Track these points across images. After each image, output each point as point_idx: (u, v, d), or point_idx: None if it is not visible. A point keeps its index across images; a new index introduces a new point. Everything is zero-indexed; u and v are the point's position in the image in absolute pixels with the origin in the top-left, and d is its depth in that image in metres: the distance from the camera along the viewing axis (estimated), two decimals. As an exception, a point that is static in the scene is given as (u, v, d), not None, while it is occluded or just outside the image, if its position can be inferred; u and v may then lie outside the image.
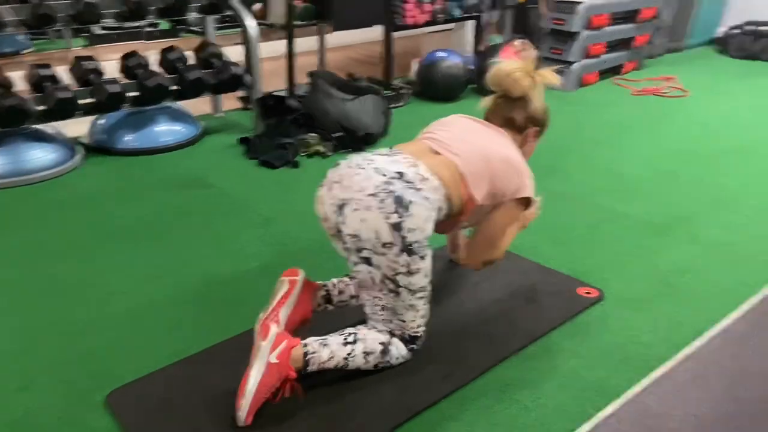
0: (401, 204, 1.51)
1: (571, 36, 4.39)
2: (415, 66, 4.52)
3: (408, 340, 1.68)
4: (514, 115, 1.85)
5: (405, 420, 1.54)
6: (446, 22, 4.57)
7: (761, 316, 1.96)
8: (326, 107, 3.34)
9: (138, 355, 1.78)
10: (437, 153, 1.70)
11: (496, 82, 1.86)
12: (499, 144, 1.77)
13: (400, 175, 1.58)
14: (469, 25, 4.92)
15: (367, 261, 1.55)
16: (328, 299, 1.79)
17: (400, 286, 1.58)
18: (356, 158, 1.68)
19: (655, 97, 4.31)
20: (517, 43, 4.32)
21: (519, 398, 1.61)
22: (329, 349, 1.59)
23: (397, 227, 1.50)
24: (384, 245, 1.51)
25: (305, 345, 1.57)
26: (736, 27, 5.58)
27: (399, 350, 1.67)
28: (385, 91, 3.83)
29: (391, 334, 1.67)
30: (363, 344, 1.63)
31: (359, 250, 1.55)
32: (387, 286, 1.58)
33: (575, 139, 3.51)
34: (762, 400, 1.62)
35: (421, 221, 1.54)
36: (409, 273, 1.56)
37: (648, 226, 2.50)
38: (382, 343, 1.65)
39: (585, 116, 3.92)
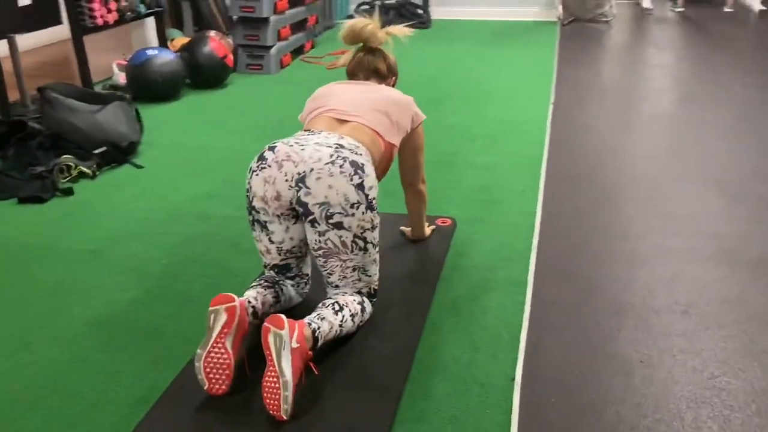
0: (358, 166, 1.66)
1: (263, 21, 4.64)
2: (116, 68, 4.20)
3: (372, 295, 1.84)
4: (378, 66, 2.08)
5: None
6: (133, 20, 4.34)
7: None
8: (73, 123, 2.96)
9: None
10: (344, 121, 1.84)
11: (354, 36, 2.05)
12: (379, 92, 1.97)
13: (341, 145, 1.71)
14: (150, 22, 4.74)
15: (338, 225, 1.65)
16: (255, 314, 1.74)
17: (368, 242, 1.72)
18: (288, 141, 1.74)
19: (347, 68, 4.88)
20: (213, 33, 4.39)
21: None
22: (327, 321, 1.66)
23: (360, 187, 1.65)
24: (352, 206, 1.64)
25: (310, 323, 1.61)
26: (365, 3, 6.56)
27: (368, 306, 1.82)
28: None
29: (359, 293, 1.80)
30: (348, 309, 1.73)
31: (329, 216, 1.64)
32: (357, 245, 1.71)
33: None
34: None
35: (374, 179, 1.72)
36: (373, 228, 1.73)
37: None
38: (359, 303, 1.78)
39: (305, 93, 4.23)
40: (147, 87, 3.95)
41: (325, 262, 1.74)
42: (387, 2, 6.39)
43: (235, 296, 1.65)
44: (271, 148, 1.73)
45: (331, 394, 1.59)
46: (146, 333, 1.88)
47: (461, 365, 1.71)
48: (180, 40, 4.74)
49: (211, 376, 1.55)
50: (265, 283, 1.81)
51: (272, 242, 1.76)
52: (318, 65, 4.99)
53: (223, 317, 1.60)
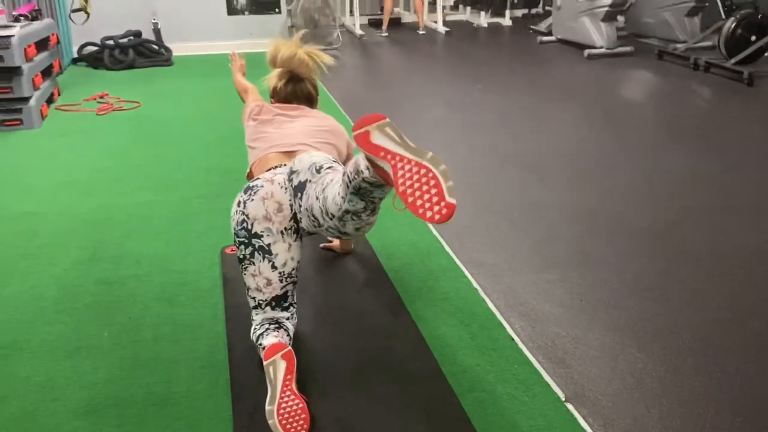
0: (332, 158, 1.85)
1: (15, 71, 4.06)
2: None
3: None
4: (311, 92, 2.22)
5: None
6: None
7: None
8: None
9: None
10: (294, 152, 1.94)
11: (284, 63, 2.15)
12: (319, 120, 2.13)
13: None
14: None
15: (331, 169, 1.71)
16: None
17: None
18: (264, 176, 1.83)
19: (121, 112, 4.58)
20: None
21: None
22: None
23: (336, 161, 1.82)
24: (335, 161, 1.79)
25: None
26: (91, 44, 6.10)
27: None
28: None
29: None
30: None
31: (319, 169, 1.70)
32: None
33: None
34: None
35: None
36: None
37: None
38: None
39: (92, 144, 3.94)
40: None
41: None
42: (121, 42, 6.06)
43: (283, 342, 1.69)
44: (255, 180, 1.83)
45: (385, 393, 1.73)
46: (152, 404, 1.72)
47: (467, 340, 1.99)
48: None
49: (289, 426, 1.56)
50: (275, 325, 1.82)
51: (275, 268, 1.78)
52: (80, 112, 4.57)
53: (282, 365, 1.63)
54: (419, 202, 1.28)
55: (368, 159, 1.39)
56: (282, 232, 1.77)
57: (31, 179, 3.35)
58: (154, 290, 2.28)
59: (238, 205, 1.80)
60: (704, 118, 4.75)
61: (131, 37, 6.20)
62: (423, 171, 1.29)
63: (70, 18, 5.54)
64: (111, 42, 6.07)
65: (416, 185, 1.29)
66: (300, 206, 1.74)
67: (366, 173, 1.41)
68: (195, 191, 3.16)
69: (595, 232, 2.77)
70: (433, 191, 1.28)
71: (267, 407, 1.58)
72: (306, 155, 1.82)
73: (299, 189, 1.74)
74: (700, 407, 1.72)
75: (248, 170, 2.08)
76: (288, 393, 1.59)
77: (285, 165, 1.88)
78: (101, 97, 4.90)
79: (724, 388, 1.79)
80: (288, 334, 1.82)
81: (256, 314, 1.85)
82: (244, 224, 1.77)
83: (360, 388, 1.77)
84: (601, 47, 6.46)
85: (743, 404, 1.73)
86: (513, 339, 2.00)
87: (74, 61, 6.22)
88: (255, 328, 1.83)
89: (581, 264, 2.49)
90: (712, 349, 1.97)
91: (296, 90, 2.20)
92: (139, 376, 1.83)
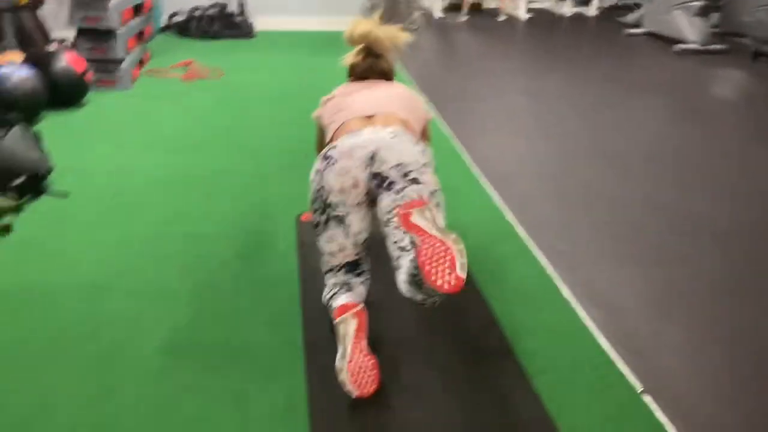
0: (414, 141, 1.83)
1: (111, 33, 4.25)
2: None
3: None
4: (385, 68, 2.21)
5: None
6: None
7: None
8: (-21, 153, 2.49)
9: None
10: (373, 116, 1.93)
11: (362, 39, 2.15)
12: (396, 89, 2.13)
13: (391, 130, 1.83)
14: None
15: (415, 181, 1.72)
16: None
17: (433, 192, 1.79)
18: (342, 139, 1.83)
19: (205, 80, 4.72)
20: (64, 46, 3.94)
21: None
22: (434, 198, 1.73)
23: (423, 153, 1.81)
24: (423, 165, 1.77)
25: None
26: (176, 14, 6.31)
27: None
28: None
29: None
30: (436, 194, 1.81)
31: (406, 174, 1.72)
32: (434, 197, 1.78)
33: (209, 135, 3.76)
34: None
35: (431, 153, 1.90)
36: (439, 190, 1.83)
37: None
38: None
39: (180, 107, 4.09)
40: (5, 109, 3.41)
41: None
42: (208, 13, 6.24)
43: (354, 301, 1.71)
44: (333, 148, 1.81)
45: (456, 366, 1.75)
46: (230, 351, 1.80)
47: (539, 324, 1.97)
48: (11, 55, 4.12)
49: (359, 382, 1.60)
50: (346, 287, 1.85)
51: (348, 236, 1.80)
52: (168, 78, 4.74)
53: (353, 323, 1.67)
54: (433, 271, 1.42)
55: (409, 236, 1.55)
56: (357, 205, 1.78)
57: (122, 138, 3.51)
58: (233, 248, 2.36)
59: (316, 173, 1.82)
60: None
61: (217, 9, 6.38)
62: (443, 247, 1.44)
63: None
64: (198, 12, 6.27)
65: (434, 257, 1.44)
66: (379, 194, 1.74)
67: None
68: (273, 160, 3.24)
69: (676, 230, 2.68)
70: (447, 264, 1.42)
71: (337, 363, 1.62)
72: (396, 143, 1.77)
73: (378, 179, 1.73)
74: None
75: (316, 113, 2.13)
76: (358, 351, 1.62)
77: (366, 129, 1.86)
78: (187, 64, 5.06)
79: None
80: (359, 297, 1.84)
81: (329, 278, 1.89)
82: (320, 193, 1.79)
83: (430, 359, 1.79)
84: (693, 43, 6.19)
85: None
86: (587, 326, 1.96)
87: (163, 29, 6.45)
88: (327, 291, 1.87)
89: (661, 261, 2.42)
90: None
91: (373, 65, 2.20)
92: (219, 325, 1.92)
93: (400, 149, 1.76)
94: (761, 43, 6.28)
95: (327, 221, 1.80)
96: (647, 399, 1.67)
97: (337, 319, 1.67)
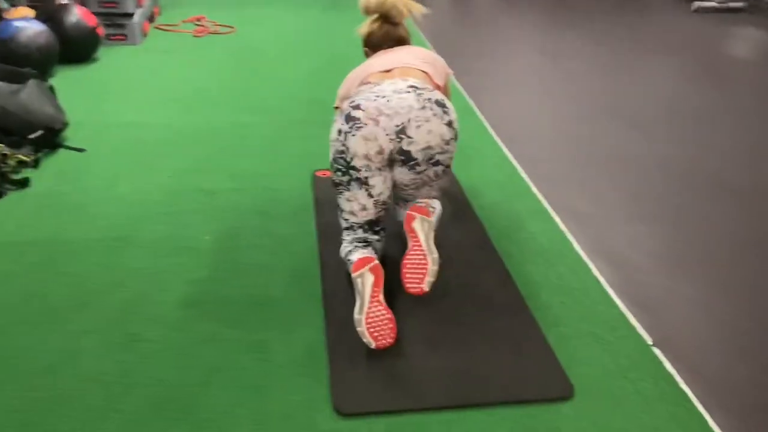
0: (441, 104, 1.82)
1: (122, -13, 4.22)
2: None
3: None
4: (403, 35, 2.21)
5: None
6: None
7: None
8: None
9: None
10: (392, 70, 1.94)
11: (378, 8, 2.14)
12: (414, 48, 2.12)
13: (414, 86, 1.83)
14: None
15: (436, 163, 1.80)
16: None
17: (448, 167, 1.89)
18: (366, 97, 1.81)
19: (217, 36, 4.69)
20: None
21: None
22: (435, 213, 1.89)
23: (450, 124, 1.81)
24: (447, 142, 1.80)
25: (433, 208, 1.88)
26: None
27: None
28: None
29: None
30: (437, 207, 1.93)
31: (430, 158, 1.79)
32: (445, 172, 1.88)
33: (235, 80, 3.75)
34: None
35: (453, 109, 1.87)
36: (447, 169, 1.90)
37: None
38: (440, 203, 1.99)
39: (191, 62, 4.08)
40: (19, 63, 3.42)
41: (416, 190, 1.88)
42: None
43: (371, 256, 1.75)
44: (356, 107, 1.79)
45: (470, 319, 1.80)
46: (250, 303, 1.84)
47: (552, 279, 2.00)
48: (23, 10, 4.10)
49: (377, 333, 1.63)
50: (363, 243, 1.89)
51: (371, 196, 1.83)
52: (179, 33, 4.71)
53: (370, 277, 1.69)
54: (408, 275, 1.74)
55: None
56: (380, 168, 1.80)
57: (135, 92, 3.51)
58: (250, 204, 2.39)
59: (339, 133, 1.80)
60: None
61: (228, -37, 6.29)
62: (424, 260, 1.76)
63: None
64: (209, -33, 6.18)
65: (413, 265, 1.76)
66: (402, 166, 1.80)
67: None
68: (289, 117, 3.24)
69: (692, 188, 2.68)
70: (419, 275, 1.74)
71: (356, 316, 1.66)
72: (425, 123, 1.76)
73: (406, 156, 1.78)
74: (792, 368, 1.69)
75: (340, 90, 2.08)
76: (376, 303, 1.66)
77: (384, 82, 1.85)
78: (198, 20, 5.02)
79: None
80: (376, 253, 1.88)
81: (347, 234, 1.92)
82: (343, 155, 1.79)
83: (446, 313, 1.82)
84: (712, 1, 6.06)
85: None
86: (599, 282, 1.99)
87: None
88: (345, 246, 1.90)
89: (675, 218, 2.43)
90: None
91: (390, 32, 2.18)
92: (238, 278, 1.95)
93: (429, 128, 1.77)
94: (782, 1, 6.15)
95: (349, 182, 1.82)
96: (657, 351, 1.71)
97: (355, 273, 1.70)
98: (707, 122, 3.45)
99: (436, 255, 1.77)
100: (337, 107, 2.06)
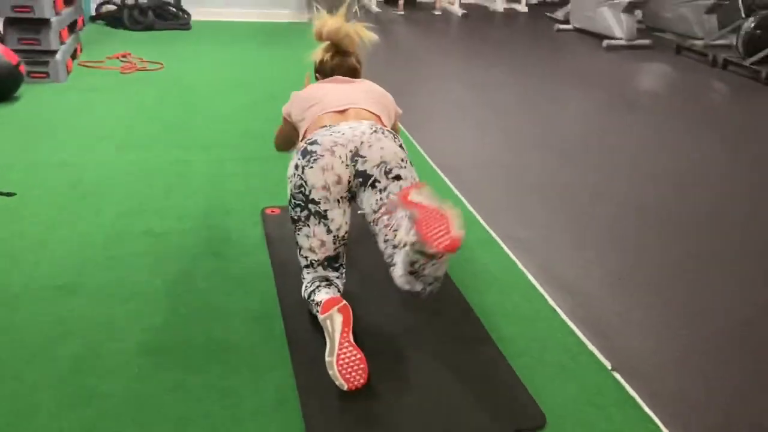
0: (392, 134, 1.89)
1: (44, 23, 4.04)
2: None
3: None
4: (356, 66, 2.24)
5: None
6: None
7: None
8: None
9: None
10: (345, 110, 1.95)
11: (330, 36, 2.16)
12: (367, 85, 2.14)
13: (369, 125, 1.87)
14: None
15: (397, 177, 1.80)
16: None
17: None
18: (321, 133, 1.84)
19: (145, 72, 4.57)
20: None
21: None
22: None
23: (402, 147, 1.87)
24: (403, 160, 1.83)
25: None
26: (109, 2, 6.06)
27: None
28: None
29: None
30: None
31: (388, 172, 1.79)
32: None
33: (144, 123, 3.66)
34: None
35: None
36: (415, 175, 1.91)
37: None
38: None
39: (121, 100, 3.95)
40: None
41: (389, 217, 1.83)
42: (141, 3, 6.00)
43: (337, 296, 1.74)
44: (312, 143, 1.82)
45: (437, 353, 1.81)
46: (212, 348, 1.78)
47: (509, 309, 2.05)
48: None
49: (348, 375, 1.61)
50: (326, 283, 1.88)
51: (330, 232, 1.83)
52: (104, 70, 4.55)
53: (339, 318, 1.69)
54: (431, 233, 1.51)
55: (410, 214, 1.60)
56: (339, 200, 1.81)
57: (65, 132, 3.35)
58: (200, 244, 2.32)
59: (296, 168, 1.81)
60: (723, 114, 4.81)
61: (151, -1, 6.17)
62: (438, 213, 1.54)
63: (94, -26, 5.51)
64: (131, 2, 6.03)
65: (431, 222, 1.53)
66: (361, 190, 1.80)
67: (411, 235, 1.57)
68: (229, 153, 3.19)
69: (624, 215, 2.83)
70: (443, 226, 1.51)
71: (327, 358, 1.63)
72: (376, 142, 1.80)
73: (362, 176, 1.78)
74: (746, 384, 1.81)
75: (300, 139, 2.06)
76: (346, 344, 1.64)
77: (342, 124, 1.89)
78: (124, 56, 4.88)
79: (760, 374, 1.88)
80: (339, 291, 1.87)
81: (308, 273, 1.90)
82: (302, 189, 1.79)
83: (412, 348, 1.83)
84: (620, 39, 6.49)
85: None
86: (555, 310, 2.06)
87: (92, 19, 6.17)
88: (306, 286, 1.88)
89: (615, 245, 2.56)
90: (751, 330, 2.05)
91: (342, 63, 2.21)
92: (197, 322, 1.89)
93: (381, 146, 1.80)
94: (683, 37, 6.67)
95: (308, 217, 1.81)
96: (617, 376, 1.78)
97: (323, 315, 1.68)
98: (629, 152, 3.66)
99: (449, 204, 1.58)
100: (285, 119, 2.13)
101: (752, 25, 5.65)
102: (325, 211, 1.80)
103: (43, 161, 2.95)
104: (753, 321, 2.11)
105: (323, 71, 2.22)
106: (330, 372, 1.62)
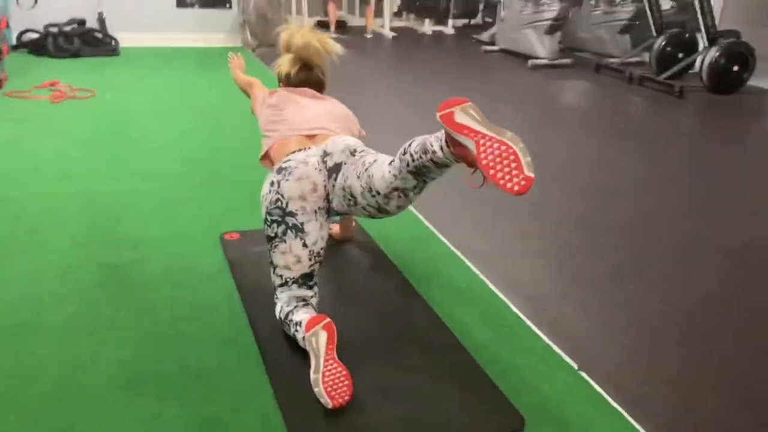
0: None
1: (-33, 52, 3.86)
2: None
3: None
4: (322, 79, 2.27)
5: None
6: None
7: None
8: None
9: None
10: (314, 136, 2.00)
11: (299, 50, 2.18)
12: (333, 105, 2.19)
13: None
14: None
15: (363, 154, 1.84)
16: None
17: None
18: (292, 156, 1.90)
19: (76, 101, 4.42)
20: None
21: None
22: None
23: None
24: (365, 148, 1.90)
25: None
26: (31, 31, 5.84)
27: None
28: None
29: None
30: None
31: (353, 152, 1.83)
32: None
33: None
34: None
35: None
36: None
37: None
38: None
39: (52, 129, 3.82)
40: None
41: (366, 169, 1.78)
42: (66, 30, 5.81)
43: (320, 314, 1.76)
44: (287, 161, 1.88)
45: (413, 364, 1.84)
46: (188, 377, 1.74)
47: (477, 318, 2.11)
48: None
49: (334, 393, 1.62)
50: (303, 303, 1.89)
51: (305, 246, 1.84)
52: (32, 99, 4.37)
53: (323, 335, 1.70)
54: (500, 174, 1.39)
55: (449, 136, 1.49)
56: (315, 211, 1.84)
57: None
58: (159, 273, 2.27)
59: (272, 185, 1.85)
60: (642, 125, 5.12)
61: (75, 26, 5.99)
62: (504, 147, 1.40)
63: (17, 1, 5.27)
64: (55, 29, 5.84)
65: (497, 160, 1.39)
66: (334, 186, 1.82)
67: (439, 153, 1.52)
68: (177, 180, 3.14)
69: (565, 224, 2.96)
70: (513, 165, 1.38)
71: (312, 375, 1.64)
72: (338, 138, 1.90)
73: (334, 170, 1.82)
74: (697, 368, 1.94)
75: (262, 153, 2.11)
76: (331, 362, 1.65)
77: (309, 148, 1.94)
78: (52, 85, 4.71)
79: (707, 356, 2.02)
80: (314, 311, 1.88)
81: (282, 292, 1.90)
82: (279, 203, 1.82)
83: (390, 361, 1.85)
84: (544, 58, 6.81)
85: (725, 372, 1.96)
86: (519, 317, 2.13)
87: (13, 47, 5.92)
88: (282, 306, 1.88)
89: (564, 253, 2.68)
90: (693, 324, 2.19)
91: (309, 77, 2.24)
92: (167, 352, 1.84)
93: (344, 139, 1.90)
94: (600, 56, 7.06)
95: (285, 232, 1.82)
96: (584, 375, 1.86)
97: (309, 333, 1.68)
98: (562, 165, 3.84)
99: (510, 132, 1.42)
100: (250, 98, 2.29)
101: (663, 43, 6.07)
102: (302, 223, 1.82)
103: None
104: (694, 311, 2.27)
105: (289, 83, 2.23)
106: (315, 389, 1.62)
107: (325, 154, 1.86)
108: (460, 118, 1.46)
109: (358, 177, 1.74)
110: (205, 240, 2.52)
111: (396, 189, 1.65)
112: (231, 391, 1.70)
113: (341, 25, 8.62)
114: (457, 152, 1.50)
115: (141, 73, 5.51)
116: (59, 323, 1.95)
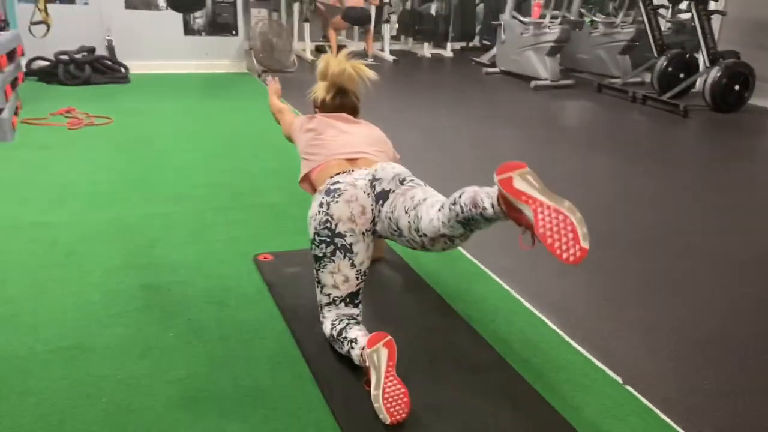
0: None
1: (-11, 81, 3.90)
2: None
3: None
4: (356, 103, 2.34)
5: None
6: None
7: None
8: None
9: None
10: (355, 159, 2.07)
11: (335, 78, 2.24)
12: (371, 130, 2.26)
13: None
14: None
15: (412, 182, 1.92)
16: None
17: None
18: (344, 179, 1.94)
19: (94, 128, 4.47)
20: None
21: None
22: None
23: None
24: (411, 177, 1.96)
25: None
26: (41, 58, 5.91)
27: None
28: None
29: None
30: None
31: (402, 181, 1.90)
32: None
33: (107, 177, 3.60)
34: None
35: None
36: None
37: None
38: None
39: (78, 157, 3.87)
40: None
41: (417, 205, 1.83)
42: (76, 57, 5.88)
43: (381, 331, 1.79)
44: (335, 183, 1.93)
45: (460, 381, 1.89)
46: (243, 396, 1.77)
47: (517, 335, 2.16)
48: None
49: (392, 409, 1.66)
50: (354, 321, 1.94)
51: (353, 266, 1.89)
52: (50, 126, 4.42)
53: (384, 352, 1.74)
54: (557, 244, 1.46)
55: (504, 199, 1.55)
56: (363, 233, 1.89)
57: (27, 191, 3.24)
58: (202, 295, 2.30)
59: (321, 206, 1.90)
60: (653, 144, 5.22)
61: (85, 53, 6.06)
62: (561, 217, 1.48)
63: (30, 31, 5.34)
64: (66, 57, 5.91)
65: (555, 229, 1.47)
66: (380, 212, 1.88)
67: (490, 210, 1.59)
68: (205, 204, 3.18)
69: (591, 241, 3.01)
70: (570, 236, 1.46)
71: (372, 392, 1.68)
72: (388, 165, 1.97)
73: (382, 197, 1.88)
74: (741, 380, 1.98)
75: (301, 176, 2.16)
76: (391, 378, 1.69)
77: (352, 171, 2.00)
78: (68, 112, 4.76)
79: (750, 367, 2.07)
80: (365, 329, 1.92)
81: (329, 311, 1.95)
82: (328, 224, 1.87)
83: (437, 379, 1.89)
84: (546, 79, 6.94)
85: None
86: (558, 333, 2.18)
87: (24, 75, 5.98)
88: (333, 324, 1.92)
89: (592, 269, 2.72)
90: (731, 335, 2.25)
91: (344, 103, 2.31)
92: (221, 371, 1.87)
93: (393, 166, 1.96)
94: (600, 77, 7.20)
95: (333, 252, 1.87)
96: (629, 389, 1.90)
97: (371, 349, 1.72)
98: (577, 180, 3.92)
99: (567, 201, 1.49)
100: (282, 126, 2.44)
101: (664, 63, 6.22)
102: (350, 244, 1.87)
103: (11, 222, 2.85)
104: (730, 322, 2.32)
105: (325, 109, 2.30)
106: (375, 405, 1.66)
107: (374, 179, 1.92)
108: (519, 184, 1.52)
109: (406, 212, 1.80)
110: (239, 262, 2.56)
111: (443, 236, 1.72)
112: (287, 408, 1.73)
113: (341, 50, 8.73)
114: (511, 215, 1.57)
115: (153, 99, 5.57)
116: (111, 345, 1.98)
